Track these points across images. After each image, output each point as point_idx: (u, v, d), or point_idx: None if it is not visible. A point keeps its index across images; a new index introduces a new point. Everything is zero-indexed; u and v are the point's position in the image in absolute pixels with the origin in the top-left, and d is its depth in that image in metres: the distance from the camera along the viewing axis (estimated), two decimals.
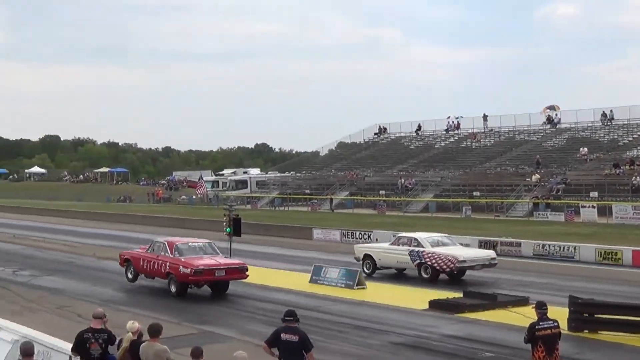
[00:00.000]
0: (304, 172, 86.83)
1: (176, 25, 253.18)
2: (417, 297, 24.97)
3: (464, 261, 29.07)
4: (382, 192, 69.97)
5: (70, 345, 12.44)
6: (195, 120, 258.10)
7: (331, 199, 71.51)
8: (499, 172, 67.63)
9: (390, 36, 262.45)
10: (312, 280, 28.57)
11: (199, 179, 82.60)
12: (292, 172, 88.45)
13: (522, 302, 23.27)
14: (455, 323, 21.25)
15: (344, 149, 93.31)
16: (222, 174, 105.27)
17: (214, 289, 26.60)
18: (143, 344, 11.48)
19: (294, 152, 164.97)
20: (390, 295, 26.06)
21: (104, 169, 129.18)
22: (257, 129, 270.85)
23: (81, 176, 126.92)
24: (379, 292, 26.54)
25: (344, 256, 36.61)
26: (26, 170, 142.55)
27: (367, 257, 32.16)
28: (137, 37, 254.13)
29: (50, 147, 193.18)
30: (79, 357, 12.11)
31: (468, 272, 30.17)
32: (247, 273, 26.45)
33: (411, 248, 30.32)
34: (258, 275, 31.08)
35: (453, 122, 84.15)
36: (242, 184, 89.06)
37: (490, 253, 31.33)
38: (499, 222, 53.47)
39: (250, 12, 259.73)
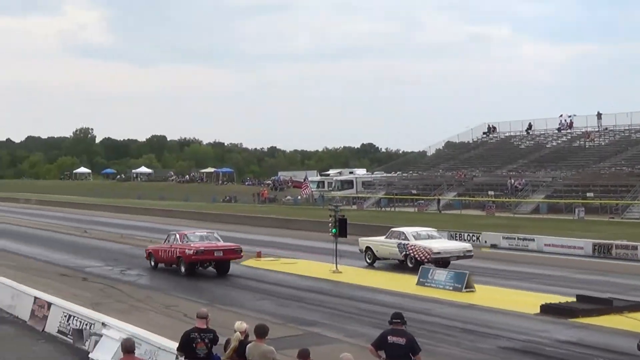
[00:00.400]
0: (410, 172, 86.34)
1: (278, 25, 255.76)
2: (528, 301, 24.52)
3: (438, 253, 32.53)
4: (491, 192, 69.02)
5: (177, 345, 12.63)
6: (300, 120, 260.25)
7: (438, 200, 70.94)
8: (614, 173, 65.82)
9: (498, 33, 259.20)
10: (419, 283, 28.38)
11: (305, 179, 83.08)
12: (398, 172, 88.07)
13: (639, 307, 22.63)
14: (568, 328, 20.79)
15: (451, 148, 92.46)
16: (328, 174, 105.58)
17: (218, 270, 31.94)
18: (249, 344, 11.55)
19: (400, 152, 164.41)
20: (499, 298, 25.65)
21: (210, 169, 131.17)
22: (363, 128, 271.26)
23: (187, 176, 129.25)
24: (488, 295, 26.15)
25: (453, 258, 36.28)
26: (133, 170, 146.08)
27: (368, 249, 35.85)
28: (242, 38, 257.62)
29: (157, 147, 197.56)
30: (184, 356, 12.30)
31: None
32: (241, 254, 32.14)
33: (399, 241, 33.91)
34: (363, 277, 31.12)
35: (565, 120, 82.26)
36: (347, 184, 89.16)
37: (467, 246, 34.96)
38: (614, 224, 52.12)
39: (352, 11, 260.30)
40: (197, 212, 73.20)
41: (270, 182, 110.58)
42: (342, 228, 33.04)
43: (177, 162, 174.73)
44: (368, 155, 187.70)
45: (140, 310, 23.23)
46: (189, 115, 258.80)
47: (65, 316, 19.18)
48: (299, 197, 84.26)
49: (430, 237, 34.35)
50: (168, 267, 33.08)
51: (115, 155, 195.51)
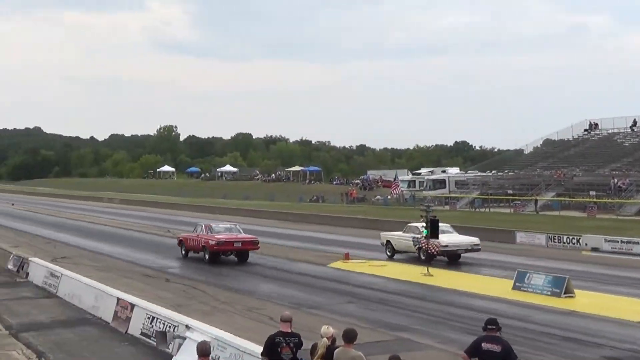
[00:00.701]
0: (506, 171, 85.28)
1: (368, 18, 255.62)
2: (632, 308, 24.01)
3: (446, 246, 35.88)
4: (593, 193, 67.61)
5: (261, 349, 12.68)
6: (391, 117, 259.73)
7: (536, 200, 69.87)
8: None
9: (599, 23, 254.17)
10: (515, 287, 28.00)
11: (395, 179, 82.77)
12: (493, 172, 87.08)
13: None
14: None
15: (550, 146, 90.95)
16: (419, 173, 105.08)
17: (238, 258, 37.01)
18: (337, 349, 11.50)
19: (495, 150, 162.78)
20: (601, 304, 25.11)
21: (296, 168, 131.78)
22: (457, 125, 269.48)
23: (273, 175, 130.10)
24: (589, 301, 25.65)
25: (551, 262, 35.76)
26: (218, 169, 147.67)
27: (388, 242, 39.89)
28: (330, 32, 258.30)
29: (242, 145, 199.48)
30: None
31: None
32: (258, 245, 37.30)
33: (414, 235, 37.43)
34: (456, 280, 30.86)
35: None
36: (440, 183, 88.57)
37: (474, 240, 37.97)
38: None
39: (444, 4, 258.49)
40: (283, 212, 73.69)
41: (359, 181, 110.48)
42: (433, 229, 32.86)
43: (262, 160, 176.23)
44: (461, 153, 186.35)
45: (223, 313, 23.44)
46: (275, 112, 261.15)
47: (148, 318, 19.47)
48: (389, 197, 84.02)
49: (442, 232, 35.64)
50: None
51: (200, 154, 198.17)
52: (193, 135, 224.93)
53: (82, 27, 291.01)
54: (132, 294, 22.98)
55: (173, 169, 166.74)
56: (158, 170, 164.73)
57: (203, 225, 38.68)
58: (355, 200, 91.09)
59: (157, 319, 19.01)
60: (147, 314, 19.65)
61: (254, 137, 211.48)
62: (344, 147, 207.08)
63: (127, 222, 64.68)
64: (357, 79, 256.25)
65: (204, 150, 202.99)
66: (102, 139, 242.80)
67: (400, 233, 39.72)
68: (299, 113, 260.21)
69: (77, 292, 25.24)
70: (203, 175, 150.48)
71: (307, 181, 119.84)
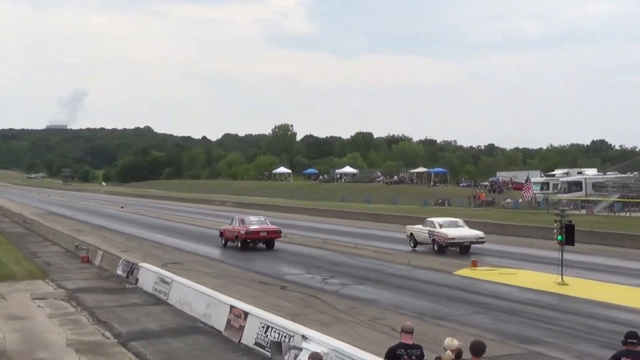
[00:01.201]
0: None
1: (495, 8, 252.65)
2: None
3: (452, 238, 42.92)
4: None
5: None
6: (522, 115, 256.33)
7: None
8: None
9: None
10: None
11: (526, 181, 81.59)
12: (634, 173, 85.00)
13: None
14: None
15: None
16: (553, 175, 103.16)
17: (266, 245, 46.54)
18: None
19: (637, 149, 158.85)
20: None
21: (421, 169, 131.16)
22: (594, 123, 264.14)
23: (395, 177, 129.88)
24: None
25: None
26: (337, 171, 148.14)
27: (411, 235, 47.01)
28: (455, 24, 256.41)
29: (362, 145, 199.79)
30: None
31: None
32: (281, 234, 47.07)
33: (429, 228, 44.56)
34: (593, 289, 30.25)
35: None
36: (575, 186, 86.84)
37: (479, 233, 44.31)
38: None
39: None
40: (406, 217, 73.51)
41: (487, 183, 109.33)
42: (569, 235, 32.26)
43: (384, 161, 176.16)
44: (599, 153, 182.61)
45: (343, 323, 23.53)
46: (398, 110, 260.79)
47: (263, 327, 19.68)
48: (520, 200, 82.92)
49: (453, 226, 44.12)
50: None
51: (317, 154, 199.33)
52: (310, 135, 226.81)
53: (194, 21, 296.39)
54: (245, 302, 23.28)
55: (289, 171, 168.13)
56: (273, 171, 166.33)
57: (237, 219, 48.54)
58: (483, 203, 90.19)
59: (272, 328, 19.20)
60: (261, 323, 19.87)
61: (375, 137, 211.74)
62: (472, 146, 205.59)
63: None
64: (487, 74, 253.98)
65: (322, 151, 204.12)
66: (215, 139, 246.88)
67: (420, 227, 46.38)
68: (423, 110, 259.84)
69: (188, 299, 25.71)
70: (321, 177, 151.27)
71: (431, 183, 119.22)
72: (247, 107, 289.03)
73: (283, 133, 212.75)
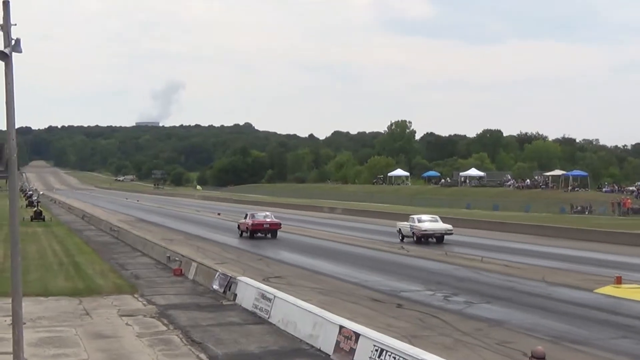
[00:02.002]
0: None
1: None
2: None
3: (425, 231, 59.11)
4: None
5: None
6: None
7: None
8: None
9: None
10: None
11: None
12: None
13: None
14: None
15: None
16: None
17: (271, 235, 64.76)
18: None
19: None
20: None
21: (557, 172, 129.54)
22: None
23: (528, 180, 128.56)
24: None
25: None
26: (460, 173, 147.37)
27: (399, 230, 62.46)
28: (601, 10, 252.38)
29: (490, 144, 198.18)
30: None
31: None
32: (281, 226, 65.37)
33: (410, 223, 60.94)
34: None
35: None
36: None
37: (448, 227, 60.42)
38: None
39: None
40: (538, 226, 72.67)
41: (634, 188, 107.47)
42: None
43: (515, 163, 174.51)
44: None
45: (468, 347, 23.29)
46: (531, 105, 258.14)
47: (376, 350, 19.57)
48: None
49: (428, 221, 61.12)
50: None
51: (439, 155, 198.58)
52: (431, 133, 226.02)
53: (303, 7, 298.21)
54: (357, 322, 23.20)
55: (407, 173, 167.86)
56: (389, 174, 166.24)
57: (249, 214, 68.06)
58: (629, 211, 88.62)
59: (387, 351, 19.07)
60: (374, 346, 19.77)
61: (504, 135, 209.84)
62: (616, 146, 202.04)
63: (351, 236, 65.80)
64: (636, 63, 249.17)
65: (444, 151, 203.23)
66: (323, 137, 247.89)
67: (405, 223, 62.18)
68: (560, 106, 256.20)
69: (292, 317, 25.76)
70: (442, 180, 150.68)
71: (569, 188, 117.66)
72: (360, 101, 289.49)
73: (400, 131, 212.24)
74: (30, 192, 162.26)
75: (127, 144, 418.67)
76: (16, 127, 17.75)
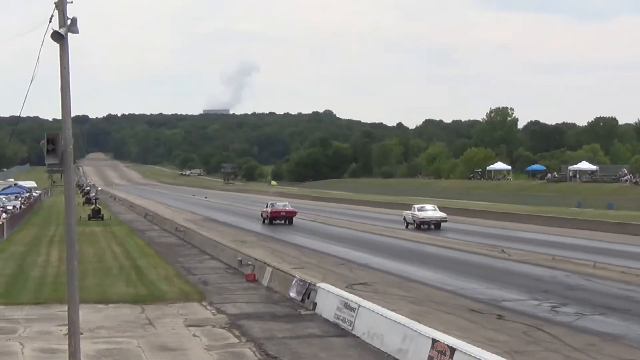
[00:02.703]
0: None
1: None
2: None
3: (423, 219, 75.24)
4: None
5: None
6: None
7: None
8: None
9: None
10: None
11: None
12: None
13: None
14: None
15: None
16: None
17: (287, 222, 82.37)
18: None
19: None
20: None
21: None
22: None
23: None
24: None
25: None
26: (570, 167, 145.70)
27: (404, 218, 78.95)
28: None
29: (603, 134, 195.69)
30: None
31: None
32: (295, 214, 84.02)
33: (412, 212, 76.99)
34: None
35: None
36: None
37: (443, 215, 77.04)
38: None
39: None
40: None
41: None
42: None
43: (632, 155, 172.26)
44: None
45: None
46: None
47: None
48: None
49: (426, 210, 77.36)
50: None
51: (544, 146, 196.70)
52: (535, 121, 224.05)
53: None
54: (452, 334, 23.16)
55: (508, 167, 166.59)
56: (488, 168, 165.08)
57: (269, 203, 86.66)
58: None
59: None
60: None
61: (619, 123, 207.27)
62: None
63: (446, 239, 65.50)
64: None
65: (550, 142, 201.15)
66: (414, 127, 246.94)
67: (408, 212, 78.74)
68: None
69: (378, 329, 25.71)
70: (549, 175, 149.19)
71: None
72: (455, 86, 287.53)
73: (501, 119, 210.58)
74: (88, 188, 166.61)
75: (194, 134, 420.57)
76: (72, 115, 17.97)
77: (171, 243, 63.96)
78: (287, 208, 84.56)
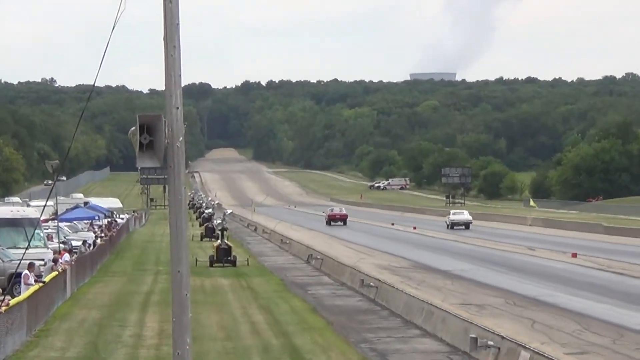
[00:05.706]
0: None
1: None
2: None
3: (452, 221, 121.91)
4: None
5: None
6: None
7: None
8: None
9: None
10: None
11: None
12: None
13: None
14: None
15: None
16: None
17: (342, 223, 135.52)
18: None
19: None
20: None
21: None
22: None
23: None
24: None
25: None
26: None
27: (445, 221, 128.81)
28: None
29: None
30: None
31: None
32: (347, 216, 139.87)
33: (449, 217, 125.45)
34: None
35: None
36: None
37: (470, 218, 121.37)
38: None
39: None
40: None
41: None
42: None
43: None
44: None
45: None
46: None
47: None
48: None
49: (457, 214, 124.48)
50: None
51: None
52: None
53: None
54: None
55: None
56: None
57: (328, 209, 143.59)
58: None
59: None
60: None
61: None
62: None
63: None
64: None
65: None
66: None
67: (449, 216, 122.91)
68: None
69: None
70: None
71: None
72: None
73: None
74: (210, 210, 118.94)
75: (393, 113, 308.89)
76: (182, 85, 12.92)
77: (354, 307, 47.03)
78: (341, 212, 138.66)
